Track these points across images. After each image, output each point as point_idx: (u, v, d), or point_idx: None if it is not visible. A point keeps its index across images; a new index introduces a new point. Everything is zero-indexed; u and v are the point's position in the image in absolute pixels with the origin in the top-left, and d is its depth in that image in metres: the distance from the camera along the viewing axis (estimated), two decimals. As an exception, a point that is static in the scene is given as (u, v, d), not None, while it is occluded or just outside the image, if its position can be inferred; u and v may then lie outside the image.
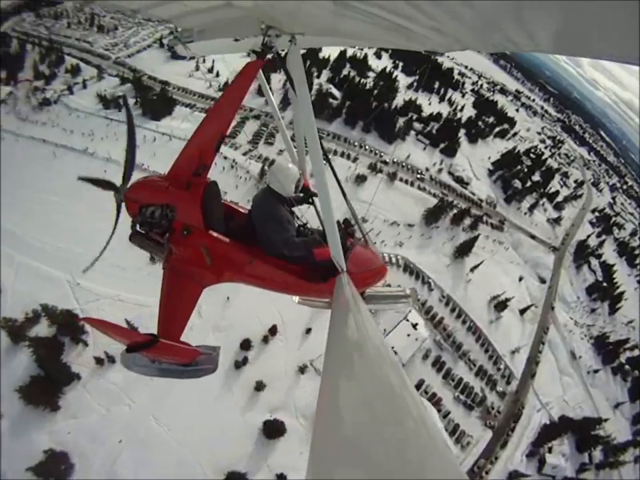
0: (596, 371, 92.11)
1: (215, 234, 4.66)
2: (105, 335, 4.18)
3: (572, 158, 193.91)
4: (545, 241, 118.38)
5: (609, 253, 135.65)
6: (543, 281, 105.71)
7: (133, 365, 4.62)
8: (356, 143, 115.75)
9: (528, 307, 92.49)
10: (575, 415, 78.73)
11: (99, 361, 55.67)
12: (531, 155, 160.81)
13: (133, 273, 63.88)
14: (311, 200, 5.93)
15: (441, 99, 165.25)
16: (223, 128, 4.21)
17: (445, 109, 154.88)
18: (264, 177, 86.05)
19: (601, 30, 1.22)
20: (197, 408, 53.18)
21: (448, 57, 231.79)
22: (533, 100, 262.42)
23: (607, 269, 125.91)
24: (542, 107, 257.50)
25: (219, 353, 4.92)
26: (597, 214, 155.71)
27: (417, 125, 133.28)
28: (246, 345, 60.08)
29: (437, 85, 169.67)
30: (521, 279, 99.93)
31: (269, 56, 3.79)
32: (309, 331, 65.20)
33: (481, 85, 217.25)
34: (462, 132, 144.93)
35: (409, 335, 72.47)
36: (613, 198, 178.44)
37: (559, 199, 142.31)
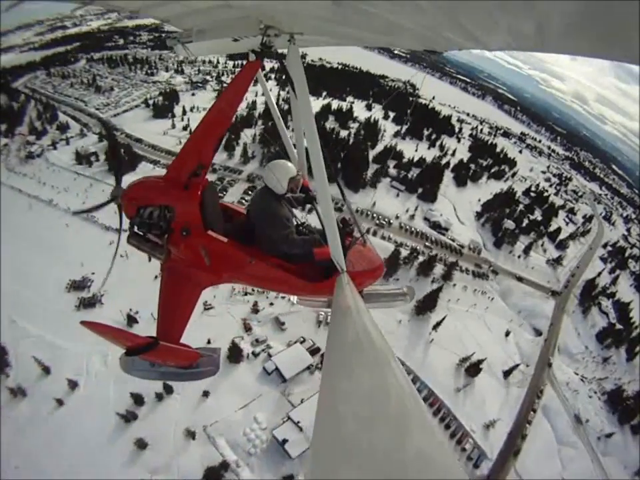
0: (609, 435, 73.65)
1: (213, 234, 4.47)
2: (105, 339, 3.99)
3: (580, 194, 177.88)
4: (542, 285, 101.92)
5: (625, 289, 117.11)
6: (538, 333, 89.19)
7: (132, 369, 4.38)
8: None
9: (514, 367, 75.96)
10: (580, 495, 61.19)
11: (12, 392, 55.49)
12: (531, 194, 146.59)
13: (60, 316, 63.48)
14: (311, 200, 5.71)
15: (432, 145, 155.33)
16: (221, 128, 4.09)
17: (434, 155, 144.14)
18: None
19: (602, 29, 1.19)
20: (83, 454, 50.33)
21: (449, 105, 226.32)
22: (540, 141, 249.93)
23: (623, 307, 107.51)
24: (549, 147, 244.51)
25: (220, 355, 4.76)
26: (609, 248, 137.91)
27: (392, 171, 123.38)
28: (139, 400, 55.64)
29: (428, 132, 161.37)
30: (508, 333, 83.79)
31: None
32: (206, 393, 57.43)
33: (481, 130, 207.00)
34: (450, 176, 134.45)
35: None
36: (628, 229, 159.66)
37: (563, 236, 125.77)
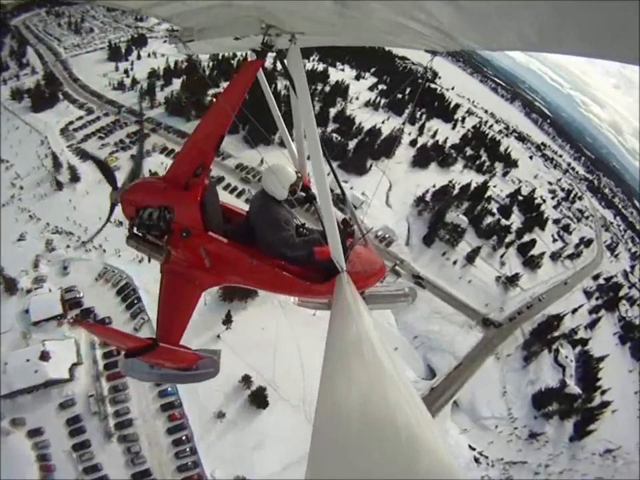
0: None
1: (214, 235, 4.03)
2: (103, 340, 3.95)
3: (586, 215, 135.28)
4: (472, 307, 64.67)
5: (604, 337, 79.27)
6: (431, 374, 53.08)
7: (132, 371, 4.02)
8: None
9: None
10: None
11: None
12: (518, 197, 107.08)
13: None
14: (311, 199, 5.01)
15: (411, 122, 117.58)
16: (222, 128, 3.75)
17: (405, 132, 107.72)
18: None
19: (602, 29, 1.11)
20: None
21: (467, 98, 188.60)
22: (560, 156, 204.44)
23: (590, 363, 69.89)
24: (569, 164, 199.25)
25: (220, 356, 4.33)
26: (600, 281, 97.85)
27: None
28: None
29: (411, 109, 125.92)
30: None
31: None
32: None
33: (490, 126, 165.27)
34: (410, 154, 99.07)
35: (28, 361, 44.38)
36: (632, 267, 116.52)
37: (538, 251, 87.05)
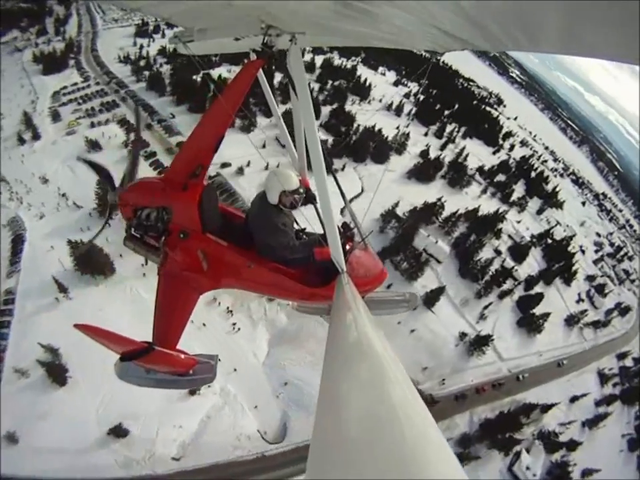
0: None
1: (212, 237, 3.75)
2: (98, 343, 3.36)
3: (633, 278, 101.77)
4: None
5: (607, 440, 53.18)
6: (282, 436, 32.99)
7: (127, 376, 3.65)
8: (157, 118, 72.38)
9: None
10: None
11: None
12: (548, 240, 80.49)
13: None
14: (311, 200, 4.52)
15: (438, 136, 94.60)
16: (221, 128, 3.47)
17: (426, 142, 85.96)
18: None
19: (601, 30, 1.04)
20: None
21: (529, 131, 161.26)
22: (620, 210, 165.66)
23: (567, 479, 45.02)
24: (627, 220, 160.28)
25: (217, 361, 3.92)
26: (627, 363, 69.05)
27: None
28: None
29: (442, 123, 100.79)
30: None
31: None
32: None
33: (544, 161, 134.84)
34: (410, 164, 76.01)
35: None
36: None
37: (544, 310, 61.22)
